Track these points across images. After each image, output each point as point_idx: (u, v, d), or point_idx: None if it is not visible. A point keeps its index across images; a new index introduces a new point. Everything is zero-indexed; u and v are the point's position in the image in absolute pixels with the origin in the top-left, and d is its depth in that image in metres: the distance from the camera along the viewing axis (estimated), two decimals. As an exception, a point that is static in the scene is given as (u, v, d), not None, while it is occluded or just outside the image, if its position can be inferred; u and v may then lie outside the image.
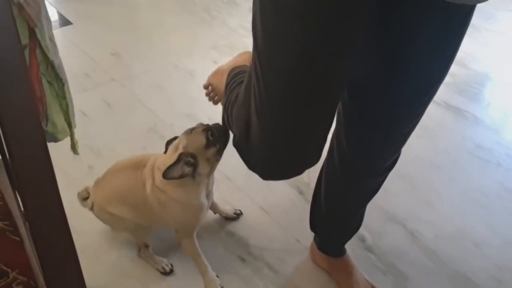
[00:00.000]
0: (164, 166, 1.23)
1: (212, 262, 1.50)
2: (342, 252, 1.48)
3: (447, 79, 2.72)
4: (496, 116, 2.27)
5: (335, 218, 1.40)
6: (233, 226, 1.62)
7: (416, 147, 1.99)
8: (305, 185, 1.79)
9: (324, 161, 1.33)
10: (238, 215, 1.65)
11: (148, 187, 1.32)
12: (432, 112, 2.23)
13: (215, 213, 1.63)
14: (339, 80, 0.95)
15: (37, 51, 0.72)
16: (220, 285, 1.41)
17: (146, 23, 2.90)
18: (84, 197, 1.43)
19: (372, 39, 0.92)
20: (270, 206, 1.71)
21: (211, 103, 1.53)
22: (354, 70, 0.96)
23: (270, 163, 1.08)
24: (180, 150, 1.26)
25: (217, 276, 1.43)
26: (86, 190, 1.43)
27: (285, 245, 1.58)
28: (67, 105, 0.82)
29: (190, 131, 1.30)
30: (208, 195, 1.39)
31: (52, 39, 0.78)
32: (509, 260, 1.57)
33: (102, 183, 1.42)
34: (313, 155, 1.06)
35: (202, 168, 1.28)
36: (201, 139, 1.26)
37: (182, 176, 1.24)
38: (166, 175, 1.22)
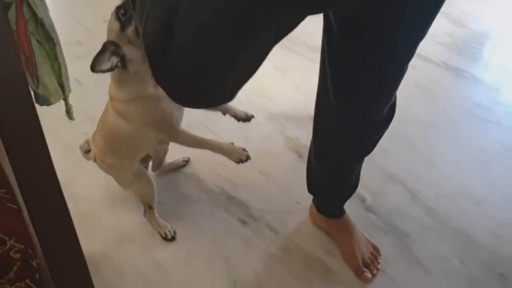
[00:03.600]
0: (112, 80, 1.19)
1: (213, 225, 1.51)
2: (341, 212, 1.48)
3: (446, 39, 2.69)
4: (496, 75, 2.25)
5: (332, 179, 1.40)
6: (233, 190, 1.62)
7: (415, 107, 1.98)
8: (304, 147, 1.78)
9: (314, 123, 1.32)
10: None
11: (110, 107, 1.27)
12: (431, 73, 2.21)
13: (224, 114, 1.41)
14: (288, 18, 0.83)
15: (24, 8, 0.69)
16: (243, 149, 1.29)
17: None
18: (86, 150, 1.39)
19: None
20: (269, 169, 1.71)
21: None
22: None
23: (185, 84, 0.91)
24: None
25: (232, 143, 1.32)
26: (87, 142, 1.40)
27: (285, 207, 1.58)
28: (59, 67, 0.79)
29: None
30: None
31: (41, -3, 0.75)
32: (508, 217, 1.58)
33: (95, 134, 1.39)
34: (229, 93, 0.93)
35: (130, 53, 1.14)
36: (114, 23, 1.13)
37: (112, 68, 1.13)
38: (93, 67, 1.10)
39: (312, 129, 1.34)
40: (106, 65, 1.12)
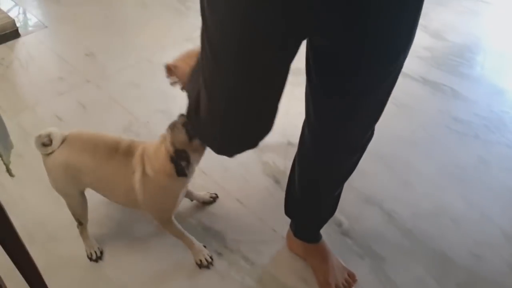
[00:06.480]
0: (155, 157, 1.32)
1: (189, 258, 1.51)
2: (318, 238, 1.48)
3: (425, 53, 2.67)
4: (474, 87, 2.25)
5: (310, 202, 1.40)
6: (209, 221, 1.63)
7: (392, 125, 1.99)
8: (281, 173, 1.79)
9: (298, 148, 1.32)
10: (214, 198, 1.70)
11: (138, 175, 1.35)
12: (409, 89, 2.21)
13: (192, 200, 1.68)
14: (290, 56, 0.95)
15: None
16: (208, 254, 1.50)
17: (119, 19, 2.87)
18: (44, 143, 1.35)
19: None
20: (246, 197, 1.71)
21: (185, 96, 1.49)
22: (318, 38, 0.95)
23: (220, 137, 1.11)
24: (168, 142, 1.31)
25: (205, 247, 1.52)
26: (49, 136, 1.35)
27: (261, 235, 1.58)
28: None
29: (173, 126, 1.32)
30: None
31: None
32: (486, 234, 1.57)
33: (78, 148, 1.37)
34: (262, 127, 1.07)
35: (194, 158, 1.35)
36: (183, 135, 1.30)
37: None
38: (180, 172, 1.31)
39: (290, 154, 1.35)
40: (183, 171, 1.32)
